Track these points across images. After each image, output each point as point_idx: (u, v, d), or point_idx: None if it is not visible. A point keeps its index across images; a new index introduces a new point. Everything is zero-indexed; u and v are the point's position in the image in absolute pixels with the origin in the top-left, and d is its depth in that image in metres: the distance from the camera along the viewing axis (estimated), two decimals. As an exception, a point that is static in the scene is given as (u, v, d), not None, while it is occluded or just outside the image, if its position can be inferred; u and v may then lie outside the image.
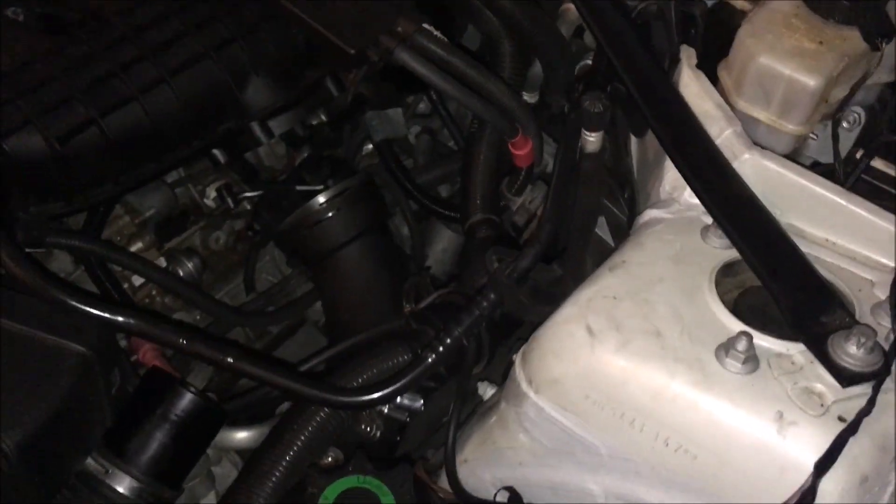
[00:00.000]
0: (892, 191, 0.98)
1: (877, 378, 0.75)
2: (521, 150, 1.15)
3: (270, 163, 1.42)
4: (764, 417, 0.75)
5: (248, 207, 1.39)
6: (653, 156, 1.02)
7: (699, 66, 0.99)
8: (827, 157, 1.05)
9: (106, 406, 0.91)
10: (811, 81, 0.94)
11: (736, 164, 0.90)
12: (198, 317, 1.35)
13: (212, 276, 1.40)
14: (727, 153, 0.91)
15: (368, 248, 1.31)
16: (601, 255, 0.99)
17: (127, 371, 0.97)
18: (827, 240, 0.90)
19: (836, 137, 0.98)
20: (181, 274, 1.31)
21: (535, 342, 0.87)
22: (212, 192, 1.38)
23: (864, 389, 0.75)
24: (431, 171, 1.48)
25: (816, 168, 1.02)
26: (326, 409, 0.93)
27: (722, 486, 0.77)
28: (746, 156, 0.91)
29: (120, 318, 0.86)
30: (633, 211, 1.04)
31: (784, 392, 0.76)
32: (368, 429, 1.04)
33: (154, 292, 1.31)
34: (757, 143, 0.93)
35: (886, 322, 0.80)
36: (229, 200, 1.36)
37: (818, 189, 0.90)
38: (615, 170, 1.07)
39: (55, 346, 0.85)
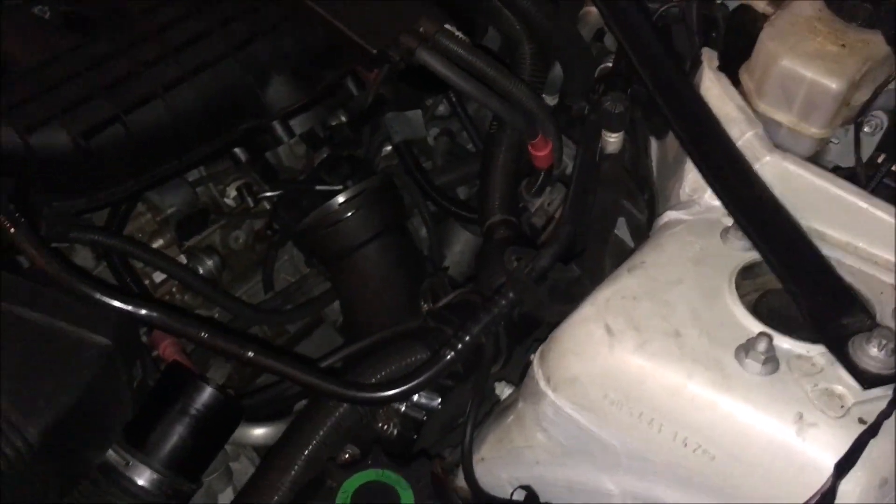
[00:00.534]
0: (914, 195, 0.98)
1: (897, 380, 0.74)
2: (541, 152, 1.15)
3: (290, 163, 1.43)
4: (784, 418, 0.75)
5: (268, 207, 1.40)
6: (673, 158, 1.02)
7: (720, 68, 0.99)
8: (848, 162, 1.05)
9: (127, 399, 0.92)
10: (833, 84, 0.94)
11: (757, 167, 0.90)
12: (216, 314, 1.36)
13: (230, 274, 1.42)
14: (748, 155, 0.90)
15: (387, 248, 1.31)
16: (620, 255, 0.99)
17: (148, 365, 0.98)
18: (848, 243, 0.90)
19: (857, 141, 0.98)
20: (200, 272, 1.32)
21: (553, 341, 0.87)
22: (232, 192, 1.40)
23: (885, 391, 0.75)
24: (450, 172, 1.49)
25: (838, 172, 1.02)
26: (345, 406, 0.93)
27: (740, 486, 0.77)
28: (768, 158, 0.91)
29: (143, 311, 0.87)
30: (653, 213, 1.04)
31: (804, 393, 0.76)
32: (385, 426, 1.04)
33: (174, 289, 1.32)
34: (778, 146, 0.93)
35: (908, 325, 0.79)
36: (249, 200, 1.38)
37: (839, 192, 0.90)
38: (635, 171, 1.07)
39: (78, 337, 0.86)
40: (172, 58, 1.09)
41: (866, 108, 0.98)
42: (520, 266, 0.94)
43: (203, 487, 1.03)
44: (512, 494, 0.92)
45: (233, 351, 0.90)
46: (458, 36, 1.07)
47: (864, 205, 0.89)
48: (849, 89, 0.95)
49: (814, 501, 0.72)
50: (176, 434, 0.94)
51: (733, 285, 0.84)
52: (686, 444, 0.79)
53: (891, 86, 1.00)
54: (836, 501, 0.72)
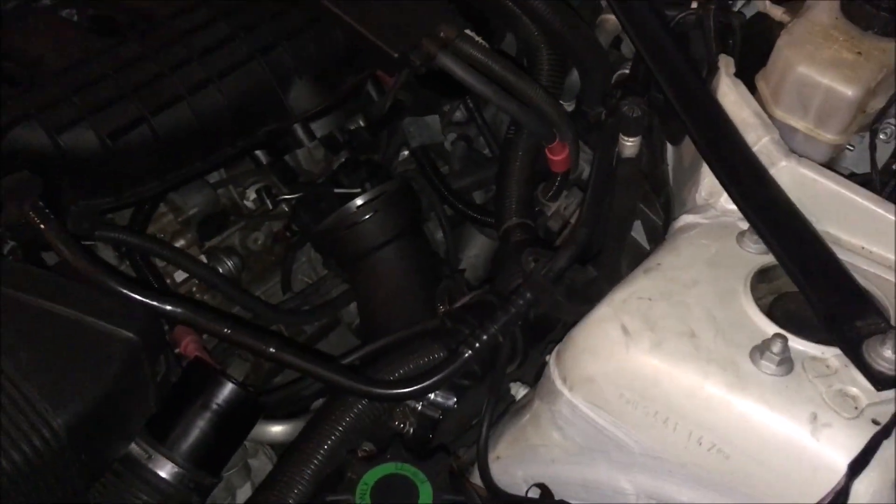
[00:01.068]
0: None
1: (912, 383, 0.75)
2: (558, 156, 1.17)
3: (309, 166, 1.45)
4: (798, 419, 0.76)
5: (286, 209, 1.42)
6: (689, 163, 1.04)
7: (737, 75, 1.01)
8: (863, 168, 1.06)
9: (151, 393, 0.94)
10: (849, 91, 0.95)
11: (773, 172, 0.91)
12: (235, 313, 1.37)
13: (249, 275, 1.43)
14: (764, 160, 0.92)
15: (404, 250, 1.33)
16: (636, 258, 1.00)
17: (171, 361, 1.00)
18: (863, 247, 0.91)
19: (873, 148, 0.99)
20: (220, 272, 1.34)
21: (569, 341, 0.88)
22: (252, 194, 1.41)
23: (899, 393, 0.76)
24: (466, 177, 1.50)
25: (853, 178, 1.03)
26: (364, 402, 0.95)
27: (754, 486, 0.78)
28: (783, 163, 0.92)
29: (168, 307, 0.89)
30: (669, 216, 1.06)
31: (818, 394, 0.77)
32: (402, 425, 1.05)
33: (194, 289, 1.34)
34: (794, 152, 0.94)
35: (921, 329, 0.80)
36: (268, 202, 1.40)
37: (854, 197, 0.91)
38: (651, 175, 1.08)
39: (105, 331, 0.87)
40: (198, 61, 1.11)
41: (882, 115, 0.99)
42: (537, 267, 0.95)
43: (222, 482, 1.05)
44: (527, 492, 0.94)
45: (255, 346, 0.91)
46: (477, 41, 1.08)
47: (878, 210, 0.90)
48: (864, 96, 0.96)
49: (827, 501, 0.73)
50: (197, 428, 0.95)
51: (748, 288, 0.85)
52: (701, 444, 0.80)
53: (906, 93, 1.01)
54: (850, 501, 0.73)
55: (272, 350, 0.90)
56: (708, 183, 0.96)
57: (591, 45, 1.25)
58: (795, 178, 0.91)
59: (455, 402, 1.04)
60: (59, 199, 1.03)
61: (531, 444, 0.94)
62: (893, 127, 1.04)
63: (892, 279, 0.87)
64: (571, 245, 0.96)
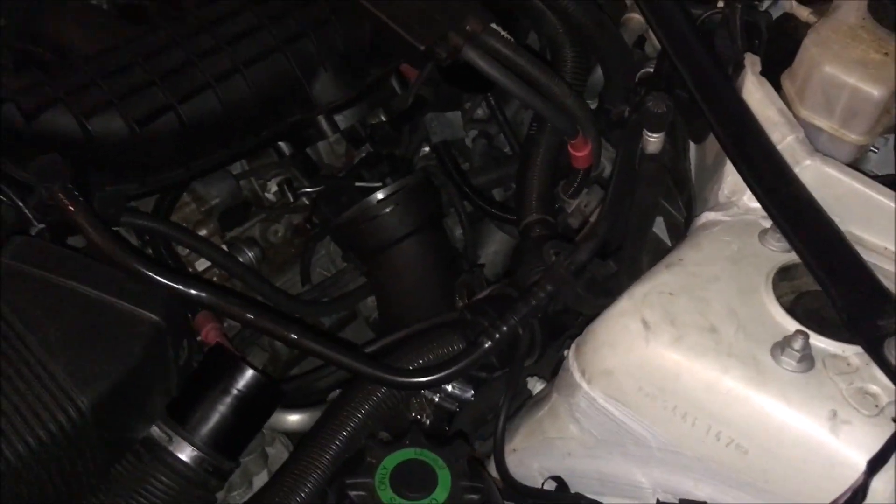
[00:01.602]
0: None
1: (933, 382, 0.75)
2: (581, 152, 1.17)
3: (330, 160, 1.46)
4: (817, 415, 0.76)
5: (307, 202, 1.43)
6: (712, 161, 1.04)
7: (763, 74, 1.01)
8: (887, 170, 1.06)
9: (173, 376, 0.95)
10: (875, 91, 0.95)
11: (797, 170, 0.91)
12: (255, 301, 1.39)
13: (269, 267, 1.44)
14: (789, 159, 0.92)
15: (423, 244, 1.34)
16: (657, 253, 1.00)
17: (193, 346, 1.01)
18: (886, 248, 0.91)
19: (898, 148, 0.99)
20: (241, 262, 1.35)
21: (589, 333, 0.89)
22: (273, 186, 1.43)
23: (920, 393, 0.76)
24: (486, 173, 1.51)
25: (877, 179, 1.02)
26: (383, 390, 0.95)
27: (772, 481, 0.78)
28: (808, 162, 0.92)
29: (192, 291, 0.90)
30: (690, 213, 1.06)
31: (838, 392, 0.77)
32: (419, 416, 1.06)
33: (215, 278, 1.36)
34: (818, 151, 0.94)
35: (944, 328, 0.80)
36: (289, 195, 1.41)
37: (878, 197, 0.91)
38: (673, 172, 1.08)
39: (130, 312, 0.88)
40: (226, 50, 1.12)
41: (907, 116, 0.99)
42: (559, 260, 0.95)
43: (240, 468, 1.05)
44: (543, 485, 0.94)
45: (278, 332, 0.92)
46: (503, 35, 1.09)
47: (902, 210, 0.89)
48: (890, 97, 0.96)
49: (845, 499, 0.73)
50: (217, 413, 0.96)
51: (770, 284, 0.85)
52: (719, 439, 0.80)
53: (933, 96, 1.00)
54: (867, 499, 0.73)
55: (294, 336, 0.91)
56: (731, 181, 0.96)
57: (616, 43, 1.25)
58: (819, 178, 0.91)
59: (472, 395, 1.04)
60: (86, 184, 1.04)
61: (548, 436, 0.94)
62: (918, 129, 1.03)
63: (915, 280, 0.86)
64: (593, 238, 0.96)
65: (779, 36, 1.08)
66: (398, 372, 0.93)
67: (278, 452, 1.19)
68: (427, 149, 1.50)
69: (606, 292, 0.93)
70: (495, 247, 1.55)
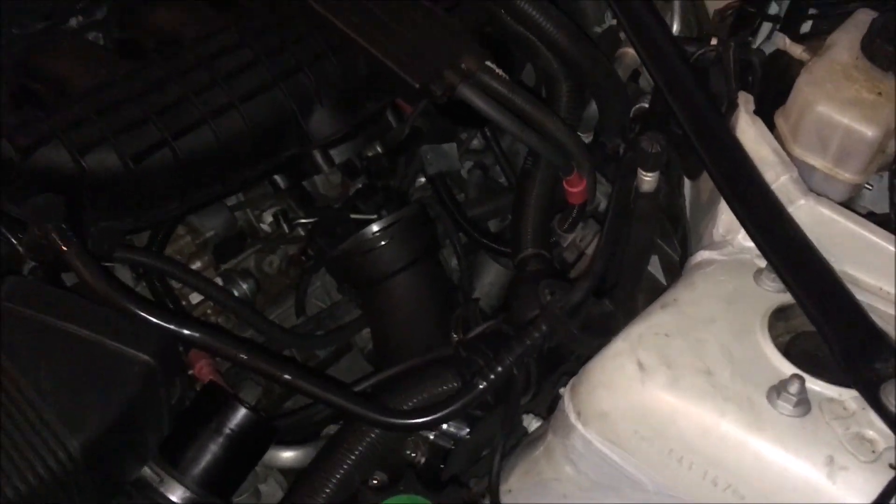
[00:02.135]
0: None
1: (930, 427, 0.74)
2: (576, 188, 1.17)
3: (325, 191, 1.46)
4: (815, 461, 0.76)
5: (302, 233, 1.43)
6: (706, 198, 1.04)
7: (756, 112, 1.01)
8: (881, 208, 1.06)
9: (165, 416, 0.94)
10: (869, 132, 0.95)
11: (791, 210, 0.91)
12: (249, 336, 1.38)
13: (263, 298, 1.44)
14: (783, 198, 0.92)
15: (419, 277, 1.33)
16: (653, 292, 1.00)
17: (185, 382, 1.00)
18: (881, 288, 0.90)
19: (892, 188, 0.99)
20: (236, 294, 1.35)
21: (584, 375, 0.88)
22: (268, 217, 1.43)
23: (917, 438, 0.75)
24: (482, 205, 1.51)
25: (871, 218, 1.02)
26: (377, 431, 0.95)
27: (769, 527, 0.77)
28: (802, 202, 0.92)
29: (185, 331, 0.90)
30: (685, 251, 1.06)
31: (835, 437, 0.77)
32: (413, 454, 1.05)
33: (209, 311, 1.35)
34: (813, 191, 0.94)
35: (940, 372, 0.80)
36: (284, 226, 1.41)
37: (873, 237, 0.91)
38: (668, 209, 1.08)
39: (121, 353, 0.88)
40: (221, 85, 1.12)
41: (901, 155, 0.99)
42: (554, 299, 0.95)
43: (232, 507, 1.04)
44: (539, 526, 0.93)
45: (271, 373, 0.92)
46: (498, 73, 1.09)
47: (897, 251, 0.89)
48: (884, 137, 0.96)
49: (843, 545, 0.72)
50: (209, 453, 0.96)
51: (766, 326, 0.85)
52: (716, 484, 0.79)
53: (926, 134, 1.01)
54: (866, 546, 0.72)
55: (288, 377, 0.90)
56: (725, 219, 0.96)
57: (610, 78, 1.26)
58: (814, 217, 0.91)
59: (468, 433, 1.04)
60: (81, 220, 1.04)
61: (544, 477, 0.93)
62: (913, 167, 1.04)
63: (911, 321, 0.86)
64: (588, 278, 0.96)
65: (772, 73, 1.08)
66: (393, 413, 0.93)
67: (272, 489, 1.18)
68: (423, 179, 1.51)
69: (602, 332, 0.93)
70: (490, 278, 1.55)
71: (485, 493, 0.99)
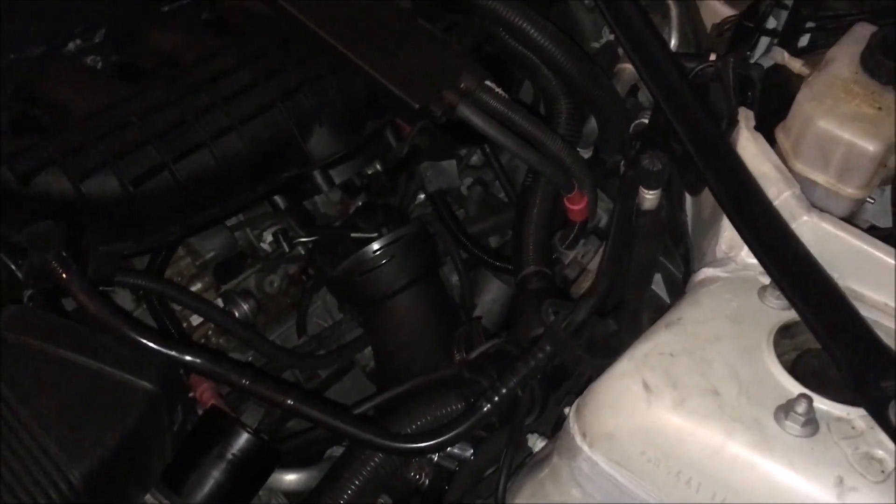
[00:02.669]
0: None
1: (939, 446, 0.74)
2: (577, 205, 1.17)
3: (325, 209, 1.45)
4: (824, 482, 0.75)
5: (302, 252, 1.42)
6: (708, 214, 1.03)
7: (756, 128, 1.01)
8: (884, 222, 1.06)
9: (168, 442, 0.93)
10: (870, 146, 0.95)
11: (794, 226, 0.91)
12: (250, 357, 1.38)
13: (264, 318, 1.43)
14: (785, 215, 0.91)
15: (420, 295, 1.33)
16: (657, 311, 0.99)
17: (188, 409, 1.00)
18: (886, 304, 0.90)
19: (895, 202, 0.99)
20: (237, 315, 1.34)
21: (590, 395, 0.88)
22: (268, 237, 1.42)
23: (927, 457, 0.75)
24: (482, 221, 1.51)
25: (874, 232, 1.02)
26: (381, 455, 0.94)
27: (779, 549, 0.77)
28: (805, 218, 0.92)
29: (187, 357, 0.89)
30: (688, 267, 1.05)
31: (844, 457, 0.76)
32: (418, 476, 1.05)
33: (210, 332, 1.34)
34: (815, 206, 0.94)
35: (948, 389, 0.79)
36: (284, 245, 1.40)
37: (877, 253, 0.90)
38: (670, 226, 1.08)
39: (123, 381, 0.87)
40: (221, 107, 1.12)
41: (903, 169, 0.99)
42: (557, 319, 0.95)
43: (236, 532, 1.04)
44: (545, 549, 0.92)
45: (274, 399, 0.91)
46: (497, 92, 1.09)
47: (902, 266, 0.89)
48: (886, 151, 0.96)
49: (854, 567, 0.72)
50: (212, 478, 0.95)
51: (771, 344, 0.84)
52: (724, 505, 0.79)
53: (927, 148, 1.01)
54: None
55: (290, 402, 0.90)
56: (728, 236, 0.96)
57: (609, 95, 1.26)
58: (817, 234, 0.91)
59: (472, 454, 1.03)
60: (81, 244, 1.04)
61: (550, 499, 0.92)
62: (915, 180, 1.03)
63: (917, 337, 0.86)
64: (592, 297, 0.96)
65: (771, 87, 1.08)
66: (398, 438, 0.92)
67: (275, 513, 1.17)
68: (423, 196, 1.50)
69: (607, 352, 0.93)
70: (492, 295, 1.54)
71: (491, 514, 0.98)
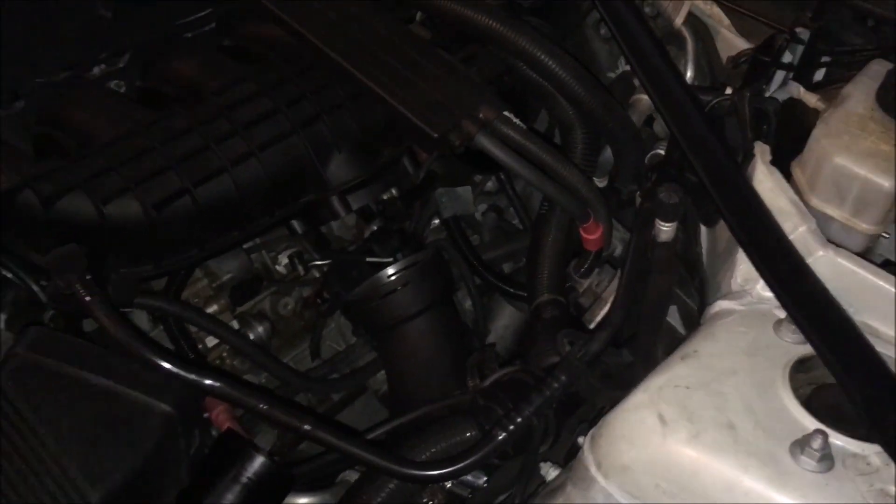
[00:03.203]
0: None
1: (955, 484, 0.74)
2: (592, 235, 1.18)
3: (340, 233, 1.47)
4: (840, 518, 0.75)
5: (317, 275, 1.43)
6: (724, 247, 1.04)
7: (771, 162, 1.02)
8: (900, 255, 1.06)
9: (185, 465, 0.94)
10: (886, 183, 0.96)
11: (810, 261, 0.91)
12: (263, 379, 1.38)
13: (279, 340, 1.44)
14: (801, 249, 0.92)
15: (435, 321, 1.33)
16: (672, 342, 1.00)
17: (205, 432, 1.00)
18: (901, 340, 0.90)
19: (910, 238, 0.99)
20: (251, 337, 1.35)
21: (605, 427, 0.88)
22: (283, 259, 1.43)
23: (943, 496, 0.75)
24: (496, 248, 1.52)
25: (889, 267, 1.03)
26: (395, 482, 0.94)
27: (794, 586, 0.77)
28: (821, 253, 0.92)
29: (206, 381, 0.90)
30: (703, 299, 1.06)
31: (859, 493, 0.76)
32: (430, 502, 1.05)
33: (224, 354, 1.35)
34: (830, 241, 0.95)
35: (964, 427, 0.79)
36: (300, 268, 1.41)
37: (892, 289, 0.91)
38: (686, 257, 1.08)
39: (142, 403, 0.88)
40: (241, 134, 1.14)
41: (919, 206, 0.99)
42: (573, 349, 0.95)
43: (249, 556, 1.04)
44: (559, 580, 0.92)
45: (290, 424, 0.92)
46: (515, 122, 1.10)
47: (917, 302, 0.89)
48: (902, 187, 0.97)
49: None
50: (227, 502, 0.95)
51: (787, 378, 0.85)
52: (739, 539, 0.79)
53: (943, 184, 1.01)
54: None
55: (308, 428, 0.90)
56: (744, 269, 0.96)
57: (625, 126, 1.27)
58: (833, 269, 0.92)
59: (485, 481, 1.03)
60: (102, 267, 1.05)
61: (564, 530, 0.92)
62: (930, 216, 1.04)
63: (933, 374, 0.86)
64: (607, 328, 0.96)
65: (787, 121, 1.09)
66: (413, 465, 0.92)
67: (288, 537, 1.17)
68: (437, 222, 1.51)
69: (621, 383, 0.93)
70: (505, 321, 1.55)
71: (503, 544, 0.98)
